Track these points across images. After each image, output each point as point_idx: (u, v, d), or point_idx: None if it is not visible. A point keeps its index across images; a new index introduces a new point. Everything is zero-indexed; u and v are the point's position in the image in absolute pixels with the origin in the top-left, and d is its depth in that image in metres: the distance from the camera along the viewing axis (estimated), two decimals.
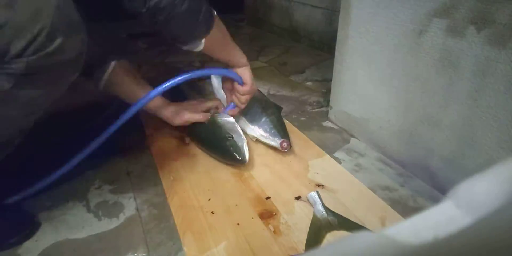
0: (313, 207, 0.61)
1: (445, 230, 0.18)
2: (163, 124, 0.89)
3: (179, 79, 0.68)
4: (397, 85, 0.71)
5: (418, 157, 0.70)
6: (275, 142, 0.76)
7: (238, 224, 0.58)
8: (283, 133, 0.78)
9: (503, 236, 0.16)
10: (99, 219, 0.61)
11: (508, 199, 0.18)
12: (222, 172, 0.72)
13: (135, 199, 0.66)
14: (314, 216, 0.59)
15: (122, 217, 0.62)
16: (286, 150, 0.75)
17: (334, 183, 0.68)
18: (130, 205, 0.64)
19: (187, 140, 0.83)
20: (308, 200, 0.62)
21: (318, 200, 0.60)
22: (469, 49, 0.55)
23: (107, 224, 0.60)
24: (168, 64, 1.09)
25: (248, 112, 0.84)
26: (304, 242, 0.55)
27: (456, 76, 0.59)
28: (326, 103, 1.02)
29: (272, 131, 0.78)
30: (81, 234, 0.58)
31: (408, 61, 0.67)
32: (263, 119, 0.82)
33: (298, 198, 0.64)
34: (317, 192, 0.62)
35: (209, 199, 0.64)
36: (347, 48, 0.82)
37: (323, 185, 0.67)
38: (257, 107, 0.85)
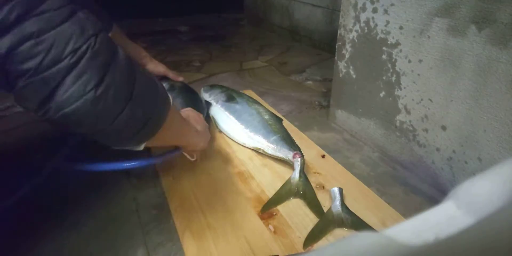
0: (332, 202, 0.61)
1: (446, 230, 0.18)
2: None
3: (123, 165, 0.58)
4: (398, 84, 0.70)
5: (418, 157, 0.70)
6: (287, 155, 0.71)
7: (238, 224, 0.58)
8: (292, 145, 0.74)
9: (504, 236, 0.15)
10: (98, 220, 0.61)
11: (510, 199, 0.18)
12: (222, 172, 0.72)
13: (134, 199, 0.66)
14: (329, 210, 0.59)
15: (121, 218, 0.61)
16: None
17: (335, 183, 0.68)
18: (129, 205, 0.64)
19: None
20: (330, 194, 0.64)
21: (338, 196, 0.61)
22: (471, 49, 0.55)
23: (106, 225, 0.60)
24: (167, 64, 1.10)
25: (250, 124, 0.81)
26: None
27: (457, 75, 0.58)
28: (327, 102, 1.02)
29: (282, 143, 0.74)
30: (80, 235, 0.58)
31: (409, 60, 0.66)
32: (269, 130, 0.78)
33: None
34: (339, 188, 0.63)
35: (209, 199, 0.64)
36: (347, 47, 0.82)
37: (323, 186, 0.67)
38: (259, 119, 0.82)
